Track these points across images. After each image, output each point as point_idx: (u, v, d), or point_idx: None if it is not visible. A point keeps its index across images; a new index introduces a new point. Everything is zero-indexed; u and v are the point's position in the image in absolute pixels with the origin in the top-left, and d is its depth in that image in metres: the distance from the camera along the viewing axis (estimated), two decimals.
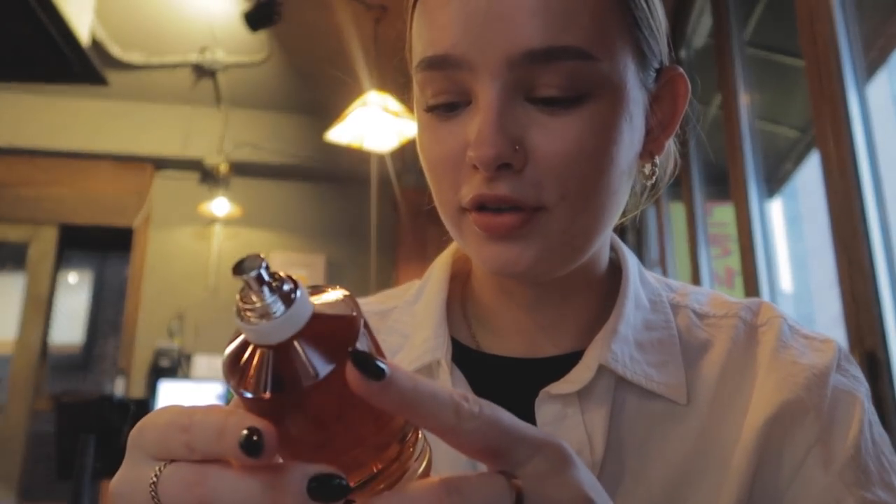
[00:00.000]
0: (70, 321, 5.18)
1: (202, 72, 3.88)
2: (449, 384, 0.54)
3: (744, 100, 1.95)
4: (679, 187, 2.50)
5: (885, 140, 1.33)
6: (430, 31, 0.49)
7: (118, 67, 3.66)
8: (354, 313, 0.32)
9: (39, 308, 4.08)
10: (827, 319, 2.57)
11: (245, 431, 0.29)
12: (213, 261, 4.27)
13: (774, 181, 2.52)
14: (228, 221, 4.30)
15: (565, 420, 0.51)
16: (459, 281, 0.63)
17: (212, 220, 4.29)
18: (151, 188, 4.30)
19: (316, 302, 0.32)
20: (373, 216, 3.65)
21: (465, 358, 0.57)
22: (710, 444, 0.51)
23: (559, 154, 0.47)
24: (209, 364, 4.00)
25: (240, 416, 0.30)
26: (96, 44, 3.36)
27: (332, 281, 4.34)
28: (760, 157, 1.94)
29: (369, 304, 0.64)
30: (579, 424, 0.51)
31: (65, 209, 4.14)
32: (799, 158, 2.51)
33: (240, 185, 4.28)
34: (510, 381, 0.55)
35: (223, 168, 4.16)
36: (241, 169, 4.27)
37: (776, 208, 2.52)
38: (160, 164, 4.32)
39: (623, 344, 0.53)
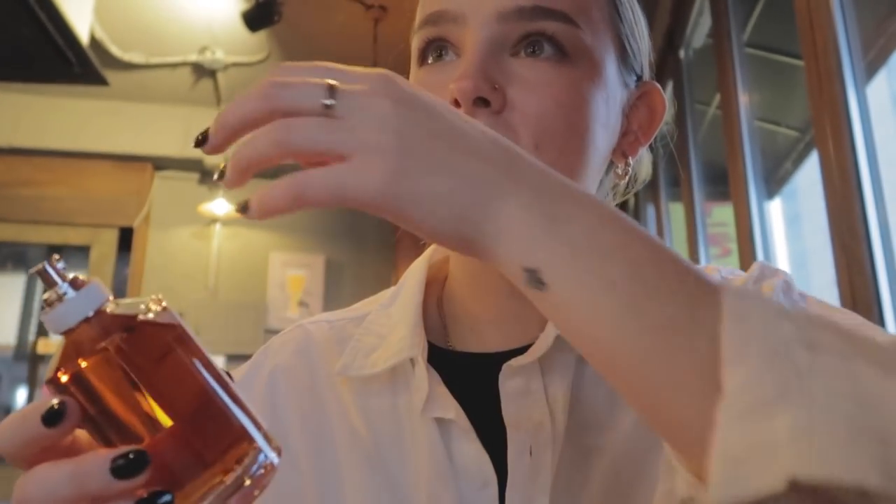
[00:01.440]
0: None
1: (202, 72, 3.88)
2: (425, 380, 0.55)
3: (743, 100, 1.95)
4: (678, 187, 2.50)
5: (884, 140, 1.33)
6: None
7: (118, 67, 3.65)
8: (149, 313, 0.35)
9: None
10: None
11: (47, 406, 0.32)
12: (212, 261, 4.27)
13: (774, 181, 2.52)
14: (228, 221, 4.29)
15: (529, 395, 0.53)
16: (435, 287, 0.64)
17: (211, 221, 4.29)
18: (151, 188, 4.29)
19: (116, 300, 0.36)
20: (372, 216, 3.64)
21: (440, 359, 0.58)
22: None
23: (536, 104, 0.50)
24: None
25: (41, 400, 0.33)
26: (95, 44, 3.36)
27: (331, 280, 4.34)
28: (760, 157, 1.94)
29: (344, 313, 0.66)
30: (542, 399, 0.52)
31: (64, 209, 4.14)
32: (798, 159, 2.51)
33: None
34: (483, 374, 0.56)
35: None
36: None
37: (776, 208, 2.52)
38: (160, 164, 4.31)
39: None
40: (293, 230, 4.41)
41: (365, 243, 3.99)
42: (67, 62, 2.33)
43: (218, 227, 4.31)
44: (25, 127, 4.06)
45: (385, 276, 4.09)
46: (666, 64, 2.57)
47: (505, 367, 0.53)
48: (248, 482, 0.34)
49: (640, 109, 0.59)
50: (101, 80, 2.52)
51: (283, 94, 0.35)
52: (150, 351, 0.34)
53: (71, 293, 0.34)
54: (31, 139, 4.07)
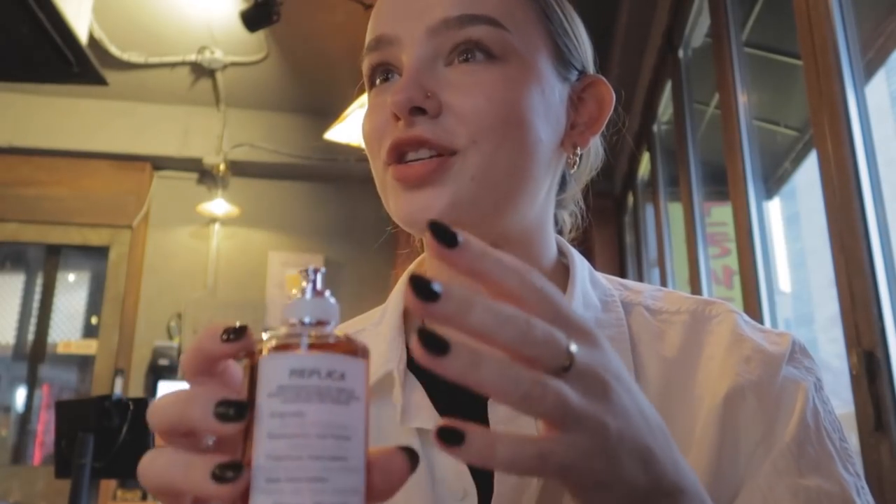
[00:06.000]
0: (69, 320, 5.18)
1: (201, 71, 3.88)
2: (399, 392, 0.56)
3: (742, 99, 1.95)
4: (677, 187, 2.50)
5: (883, 140, 1.33)
6: (372, 22, 0.59)
7: (117, 67, 3.65)
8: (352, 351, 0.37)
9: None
10: (825, 319, 2.57)
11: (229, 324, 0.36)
12: (211, 260, 4.27)
13: (773, 181, 2.53)
14: (227, 221, 4.29)
15: (518, 419, 0.53)
16: None
17: (210, 220, 4.29)
18: (150, 188, 4.29)
19: (339, 330, 0.38)
20: (371, 216, 3.65)
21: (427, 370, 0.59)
22: None
23: (470, 103, 0.54)
24: None
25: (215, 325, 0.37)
26: (94, 43, 3.36)
27: (330, 280, 4.33)
28: (758, 156, 1.94)
29: (343, 328, 0.69)
30: (530, 423, 0.52)
31: (64, 209, 4.14)
32: (797, 158, 2.51)
33: (238, 185, 4.28)
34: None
35: (222, 168, 4.16)
36: (240, 169, 4.26)
37: (774, 208, 2.52)
38: (159, 163, 4.31)
39: None
40: (292, 230, 4.41)
41: (363, 243, 3.99)
42: (66, 62, 2.33)
43: (217, 226, 4.31)
44: (25, 127, 4.06)
45: (384, 276, 4.09)
46: (665, 64, 2.57)
47: None
48: None
49: (588, 102, 0.62)
50: (100, 80, 2.52)
51: (531, 346, 0.34)
52: (261, 384, 0.35)
53: (309, 293, 0.38)
54: (30, 139, 4.07)
